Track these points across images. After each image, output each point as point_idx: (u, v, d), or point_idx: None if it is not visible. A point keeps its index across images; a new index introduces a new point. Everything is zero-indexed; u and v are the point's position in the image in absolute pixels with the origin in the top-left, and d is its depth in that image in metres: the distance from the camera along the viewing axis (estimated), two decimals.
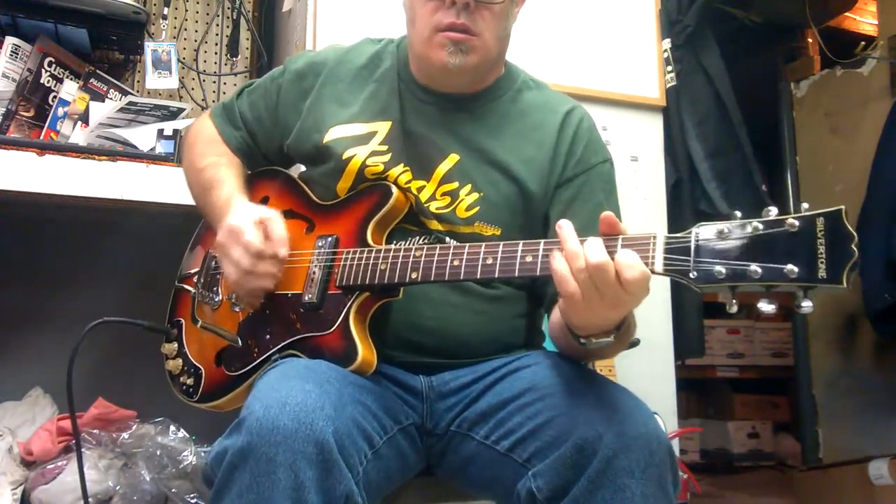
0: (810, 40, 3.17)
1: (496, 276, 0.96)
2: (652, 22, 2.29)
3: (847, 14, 3.23)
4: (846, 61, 2.94)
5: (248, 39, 2.30)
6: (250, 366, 1.13)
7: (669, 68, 2.32)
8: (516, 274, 0.94)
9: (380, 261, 1.05)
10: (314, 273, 1.11)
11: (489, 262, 0.96)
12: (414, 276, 1.02)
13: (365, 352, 1.04)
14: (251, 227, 1.09)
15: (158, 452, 1.63)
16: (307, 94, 1.26)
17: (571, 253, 0.86)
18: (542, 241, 0.94)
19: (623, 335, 0.98)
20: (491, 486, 1.09)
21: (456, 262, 0.99)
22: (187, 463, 1.64)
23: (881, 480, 2.35)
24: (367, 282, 1.05)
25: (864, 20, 3.29)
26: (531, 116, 1.24)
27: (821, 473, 2.72)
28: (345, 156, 1.19)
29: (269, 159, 1.33)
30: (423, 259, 1.02)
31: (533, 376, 1.08)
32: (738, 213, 0.82)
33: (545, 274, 0.91)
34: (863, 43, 2.94)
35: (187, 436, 1.68)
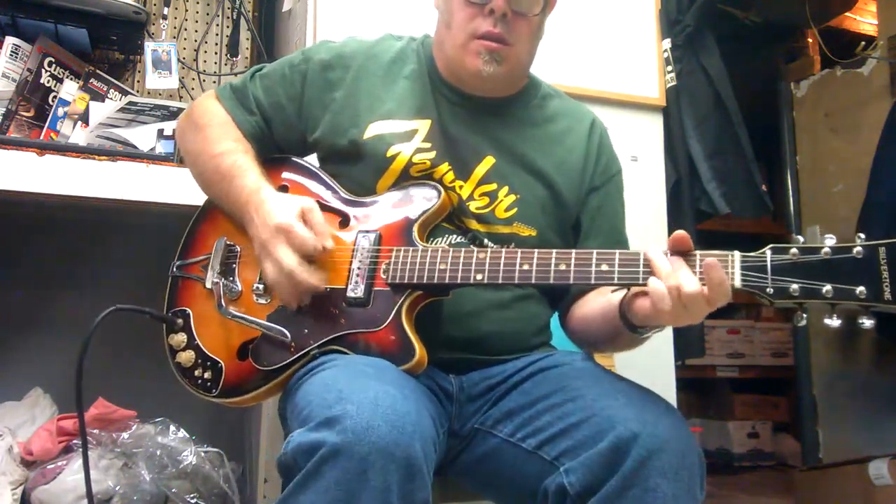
0: (810, 40, 3.17)
1: (571, 281, 1.01)
2: (652, 22, 2.29)
3: (847, 14, 3.24)
4: (846, 61, 2.94)
5: (248, 39, 2.30)
6: (287, 361, 1.10)
7: (669, 68, 2.32)
8: (592, 282, 1.00)
9: (437, 260, 1.05)
10: (359, 268, 1.10)
11: (562, 268, 1.01)
12: (479, 277, 1.03)
13: (420, 350, 1.04)
14: (299, 222, 1.08)
15: (158, 452, 1.63)
16: (335, 87, 1.24)
17: (667, 277, 0.93)
18: (617, 251, 1.00)
19: None
20: (508, 483, 1.09)
21: (526, 266, 1.02)
22: (187, 463, 1.64)
23: (881, 480, 2.35)
24: (423, 280, 1.05)
25: (864, 20, 3.29)
26: (559, 122, 1.29)
27: (821, 473, 2.72)
28: (389, 153, 1.18)
29: (281, 148, 1.30)
30: (488, 261, 1.03)
31: (562, 377, 1.10)
32: (801, 238, 0.93)
33: (623, 283, 0.99)
34: (863, 43, 2.94)
35: (187, 436, 1.68)
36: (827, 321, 0.91)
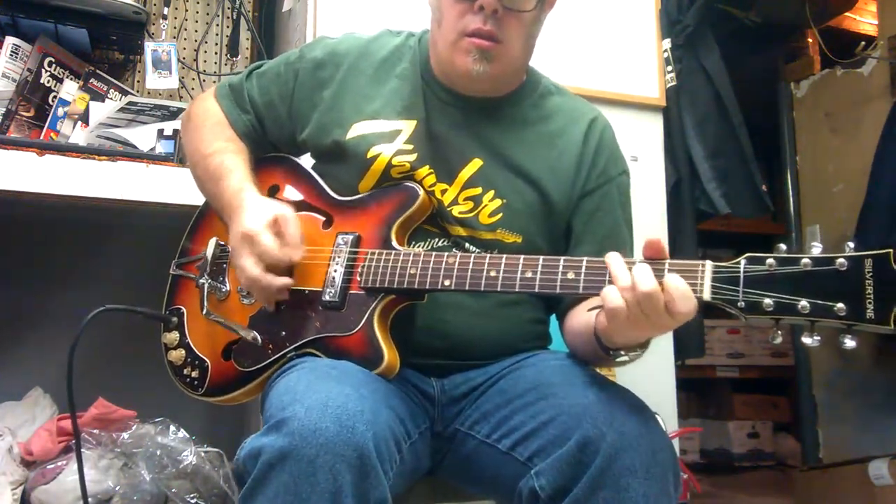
0: (810, 40, 3.17)
1: (536, 290, 0.96)
2: (652, 22, 2.29)
3: (847, 14, 3.24)
4: (846, 61, 2.94)
5: (248, 39, 2.30)
6: (264, 363, 1.11)
7: (669, 68, 2.32)
8: (557, 290, 0.95)
9: (409, 264, 1.04)
10: (335, 272, 1.09)
11: (528, 275, 0.97)
12: (447, 283, 1.01)
13: (390, 355, 1.03)
14: (266, 232, 1.07)
15: (158, 452, 1.63)
16: (325, 85, 1.23)
17: (621, 279, 0.88)
18: (585, 258, 0.95)
19: (645, 347, 1.00)
20: (491, 484, 1.09)
21: (493, 273, 0.99)
22: (187, 463, 1.64)
23: (881, 480, 2.35)
24: (394, 285, 1.04)
25: (864, 20, 3.29)
26: (554, 123, 1.23)
27: (821, 473, 2.72)
28: (370, 154, 1.16)
29: (275, 146, 1.30)
30: (456, 266, 1.01)
31: (536, 375, 1.08)
32: (783, 247, 0.85)
33: (588, 293, 0.94)
34: (863, 43, 2.94)
35: (187, 436, 1.67)
36: (805, 340, 0.83)
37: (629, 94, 2.21)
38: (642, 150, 2.23)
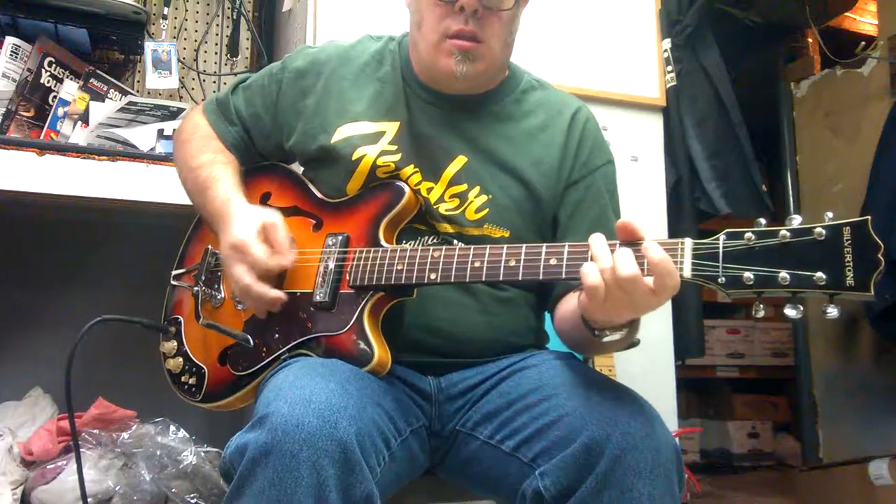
0: (810, 40, 3.18)
1: (520, 278, 0.96)
2: (652, 22, 2.29)
3: (847, 14, 3.24)
4: (846, 61, 2.95)
5: (248, 39, 2.30)
6: (259, 365, 1.12)
7: (669, 68, 2.32)
8: (541, 277, 0.95)
9: (395, 261, 1.04)
10: (325, 272, 1.10)
11: (512, 264, 0.97)
12: (433, 276, 1.01)
13: (380, 352, 1.04)
14: (255, 241, 1.08)
15: (158, 452, 1.63)
16: (308, 94, 1.25)
17: (601, 260, 0.88)
18: (567, 243, 0.95)
19: (634, 328, 1.00)
20: (494, 485, 1.09)
21: (477, 264, 0.99)
22: (187, 463, 1.64)
23: (881, 480, 2.35)
24: (381, 282, 1.05)
25: (864, 20, 3.30)
26: (537, 117, 1.24)
27: (821, 473, 2.72)
28: (354, 156, 1.18)
29: (264, 156, 1.32)
30: (441, 260, 1.02)
31: (539, 376, 1.08)
32: (763, 221, 0.84)
33: (570, 277, 0.93)
34: (863, 43, 2.94)
35: (187, 436, 1.68)
36: (788, 311, 0.83)
37: (629, 94, 2.21)
38: (642, 150, 2.23)
